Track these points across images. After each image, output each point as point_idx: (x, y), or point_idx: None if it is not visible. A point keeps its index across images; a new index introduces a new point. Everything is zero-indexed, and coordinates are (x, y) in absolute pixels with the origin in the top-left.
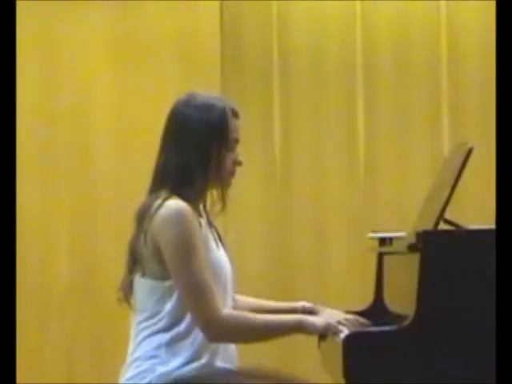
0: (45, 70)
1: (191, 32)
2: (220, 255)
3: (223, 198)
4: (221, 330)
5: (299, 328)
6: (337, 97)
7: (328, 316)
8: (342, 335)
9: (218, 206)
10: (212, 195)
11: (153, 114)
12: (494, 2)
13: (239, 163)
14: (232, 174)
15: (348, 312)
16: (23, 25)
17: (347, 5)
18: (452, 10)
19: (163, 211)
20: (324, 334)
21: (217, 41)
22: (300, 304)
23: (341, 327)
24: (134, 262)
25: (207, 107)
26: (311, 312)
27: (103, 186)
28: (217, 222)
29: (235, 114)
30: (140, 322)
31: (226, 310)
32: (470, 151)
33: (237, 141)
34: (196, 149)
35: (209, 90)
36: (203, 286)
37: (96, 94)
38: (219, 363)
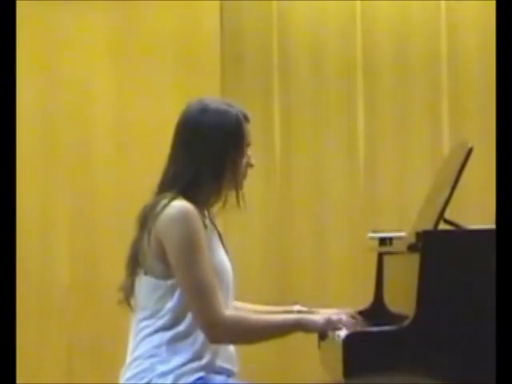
0: (45, 70)
1: (191, 32)
2: (223, 257)
3: (238, 200)
4: (222, 331)
5: (299, 326)
6: (337, 96)
7: (327, 314)
8: (342, 335)
9: (219, 206)
10: (220, 197)
11: (153, 114)
12: (494, 2)
13: (251, 165)
14: (245, 176)
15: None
16: (23, 25)
17: (347, 4)
18: (452, 9)
19: (169, 211)
20: (324, 330)
21: (217, 41)
22: (296, 308)
23: (340, 325)
24: (136, 263)
25: (222, 115)
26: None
27: (103, 186)
28: (217, 222)
29: (246, 119)
30: (141, 321)
31: (228, 311)
32: (470, 151)
33: (249, 144)
34: (211, 157)
35: (209, 89)
36: (206, 287)
37: (96, 93)
38: (219, 363)
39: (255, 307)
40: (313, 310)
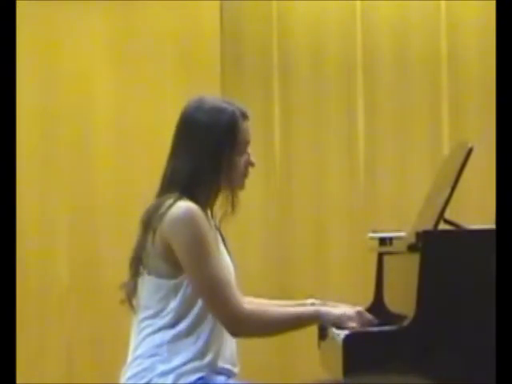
0: (45, 70)
1: (191, 32)
2: (225, 257)
3: (233, 201)
4: (247, 325)
5: (317, 317)
6: (337, 96)
7: (344, 308)
8: (342, 335)
9: (225, 208)
10: (220, 197)
11: (153, 114)
12: (494, 2)
13: (251, 164)
14: (245, 175)
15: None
16: (23, 25)
17: (347, 5)
18: (452, 9)
19: (174, 211)
20: (341, 324)
21: (217, 41)
22: (309, 301)
23: (356, 320)
24: (140, 264)
25: (217, 112)
26: None
27: (103, 186)
28: (217, 222)
29: (245, 117)
30: (143, 320)
31: (247, 304)
32: (470, 151)
33: (247, 142)
34: (207, 155)
35: (209, 90)
36: (223, 283)
37: (96, 93)
38: (220, 363)
39: (270, 303)
40: (328, 304)
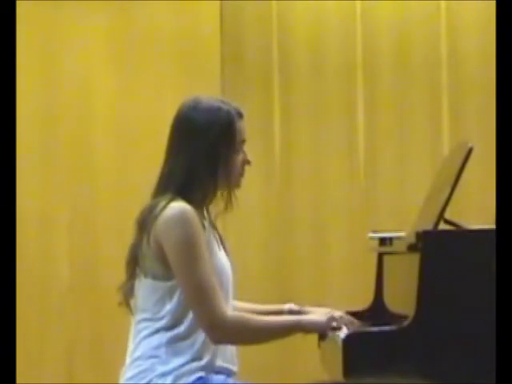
0: (45, 70)
1: (191, 32)
2: (222, 258)
3: (230, 199)
4: (226, 332)
5: (299, 327)
6: (337, 96)
7: (324, 313)
8: (342, 335)
9: (221, 206)
10: (216, 196)
11: (153, 114)
12: (494, 2)
13: (248, 162)
14: (241, 174)
15: (347, 312)
16: (23, 25)
17: (347, 4)
18: (452, 10)
19: (168, 212)
20: (327, 329)
21: (217, 41)
22: (287, 306)
23: (343, 323)
24: (136, 266)
25: (213, 111)
26: (299, 314)
27: (103, 186)
28: (217, 222)
29: (240, 116)
30: (140, 322)
31: (230, 312)
32: (469, 151)
33: (243, 141)
34: (204, 155)
35: (209, 89)
36: (207, 288)
37: (96, 94)
38: (219, 362)
39: (249, 305)
40: (304, 309)
